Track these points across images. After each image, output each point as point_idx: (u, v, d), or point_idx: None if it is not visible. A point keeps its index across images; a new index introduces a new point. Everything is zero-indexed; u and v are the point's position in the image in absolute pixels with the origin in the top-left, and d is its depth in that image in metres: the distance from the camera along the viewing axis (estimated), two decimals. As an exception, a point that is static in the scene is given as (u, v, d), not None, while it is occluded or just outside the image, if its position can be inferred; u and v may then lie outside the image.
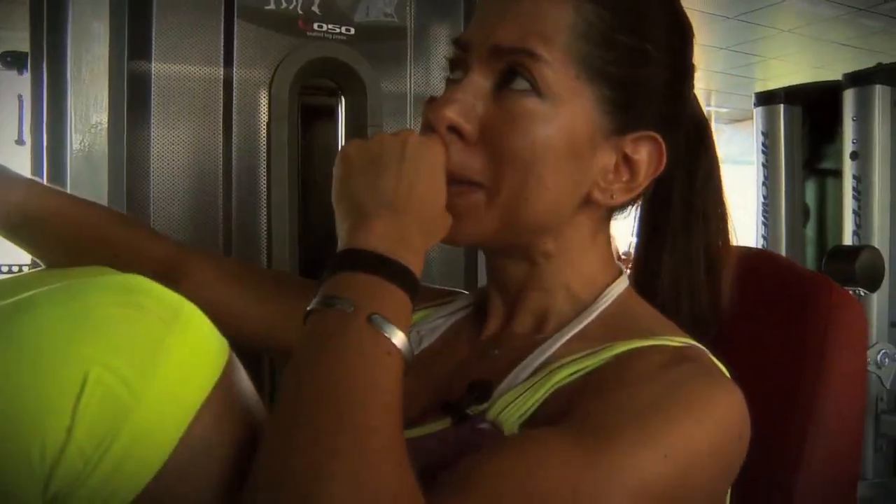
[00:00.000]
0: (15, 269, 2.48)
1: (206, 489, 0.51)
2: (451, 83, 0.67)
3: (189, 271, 0.80)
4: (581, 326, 0.66)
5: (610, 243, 0.72)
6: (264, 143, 1.22)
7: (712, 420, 0.57)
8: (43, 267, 0.77)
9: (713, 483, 0.58)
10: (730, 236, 0.75)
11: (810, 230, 3.33)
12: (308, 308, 0.55)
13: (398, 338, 0.53)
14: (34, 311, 0.49)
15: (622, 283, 0.71)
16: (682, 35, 0.69)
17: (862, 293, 2.43)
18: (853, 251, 2.44)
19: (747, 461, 0.60)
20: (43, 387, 0.46)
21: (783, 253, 3.10)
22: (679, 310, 0.73)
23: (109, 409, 0.46)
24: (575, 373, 0.61)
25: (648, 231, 0.75)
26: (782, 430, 0.71)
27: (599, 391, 0.58)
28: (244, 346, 0.83)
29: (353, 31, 1.26)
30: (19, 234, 0.73)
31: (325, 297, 0.54)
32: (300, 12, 1.22)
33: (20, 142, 2.67)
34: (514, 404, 0.61)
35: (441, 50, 1.35)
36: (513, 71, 0.62)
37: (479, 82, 0.63)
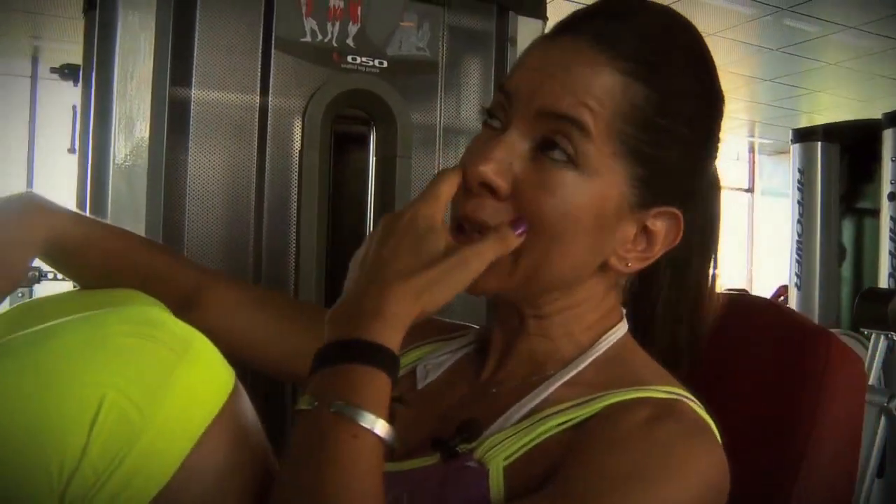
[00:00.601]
0: (60, 275, 2.55)
1: None
2: (488, 128, 0.68)
3: (211, 298, 0.83)
4: (576, 371, 0.68)
5: (619, 292, 0.74)
6: (296, 168, 1.27)
7: (692, 480, 0.59)
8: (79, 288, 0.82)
9: None
10: (712, 281, 0.76)
11: (846, 270, 3.29)
12: (308, 388, 0.58)
13: (374, 424, 0.55)
14: (58, 338, 0.54)
15: (621, 329, 0.73)
16: (716, 110, 0.69)
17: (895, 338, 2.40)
18: (887, 294, 2.40)
19: None
20: (63, 408, 0.50)
21: (816, 292, 3.08)
22: (661, 339, 0.75)
23: (121, 430, 0.51)
24: (565, 422, 0.62)
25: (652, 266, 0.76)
26: (774, 478, 0.72)
27: (585, 452, 0.60)
28: (264, 372, 0.87)
29: (385, 63, 1.30)
30: (56, 261, 0.78)
31: (314, 395, 0.57)
32: (335, 45, 1.27)
33: (72, 150, 2.75)
34: (501, 446, 0.62)
35: (472, 84, 1.39)
36: (553, 139, 0.63)
37: (519, 141, 0.64)
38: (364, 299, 0.60)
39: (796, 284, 3.15)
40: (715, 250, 0.76)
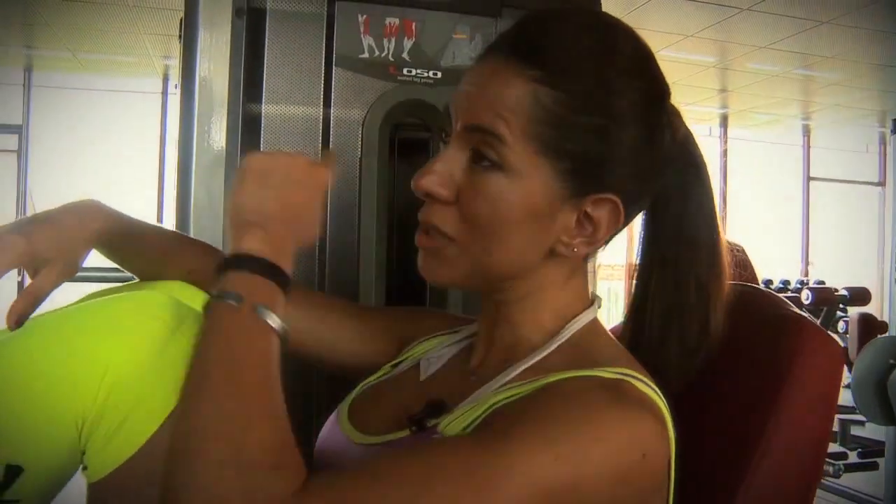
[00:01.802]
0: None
1: None
2: (443, 144, 0.78)
3: None
4: (541, 356, 0.74)
5: (586, 279, 0.80)
6: (358, 174, 1.38)
7: (612, 438, 0.63)
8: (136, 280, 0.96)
9: (610, 494, 0.63)
10: (724, 268, 0.80)
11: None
12: (214, 292, 0.67)
13: (274, 321, 0.66)
14: (80, 317, 0.68)
15: (587, 316, 0.78)
16: (649, 101, 0.74)
17: None
18: None
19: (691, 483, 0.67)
20: (79, 371, 0.65)
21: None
22: (668, 337, 0.78)
23: (122, 388, 0.65)
24: (511, 396, 0.69)
25: (643, 261, 0.81)
26: (729, 457, 0.76)
27: (515, 404, 0.67)
28: (305, 361, 0.98)
29: (439, 74, 1.40)
30: (110, 251, 0.90)
31: (219, 293, 0.66)
32: (391, 59, 1.37)
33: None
34: (458, 420, 0.70)
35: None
36: (479, 150, 0.72)
37: (456, 155, 0.74)
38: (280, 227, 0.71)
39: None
40: (707, 242, 0.79)
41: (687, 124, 0.80)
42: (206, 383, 0.61)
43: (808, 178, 9.11)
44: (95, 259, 0.86)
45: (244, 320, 0.65)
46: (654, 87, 0.75)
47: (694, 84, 6.74)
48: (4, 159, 7.24)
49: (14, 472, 0.63)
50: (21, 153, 7.21)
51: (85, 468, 0.69)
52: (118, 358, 0.67)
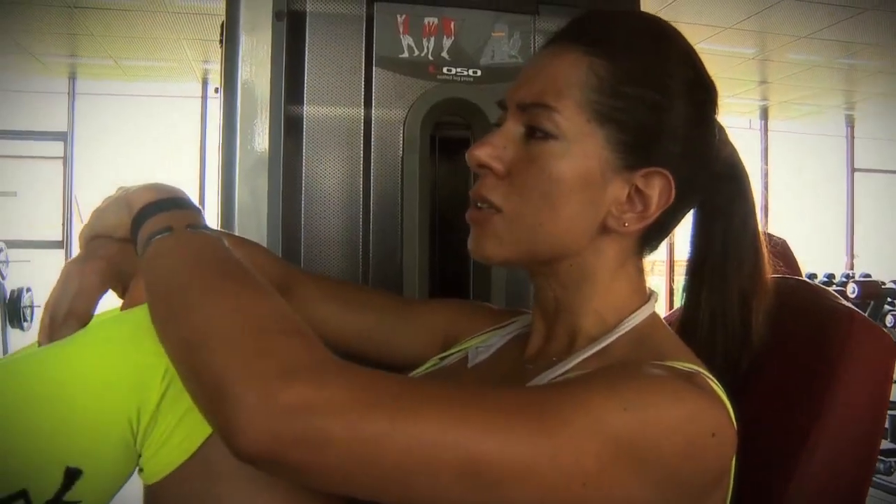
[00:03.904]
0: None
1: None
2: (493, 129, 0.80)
3: (298, 292, 0.97)
4: (600, 347, 0.75)
5: (641, 272, 0.80)
6: (399, 172, 1.39)
7: (684, 408, 0.62)
8: None
9: (675, 462, 0.61)
10: (766, 282, 0.81)
11: None
12: (140, 243, 0.69)
13: (208, 231, 0.69)
14: (132, 318, 0.69)
15: (647, 310, 0.78)
16: (698, 89, 0.76)
17: None
18: None
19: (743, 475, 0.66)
20: (136, 373, 0.67)
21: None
22: (714, 343, 0.80)
23: (176, 389, 0.65)
24: (575, 376, 0.70)
25: (692, 269, 0.83)
26: (780, 452, 0.76)
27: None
28: (349, 355, 0.99)
29: (479, 73, 1.40)
30: None
31: (149, 236, 0.68)
32: (430, 58, 1.38)
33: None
34: None
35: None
36: (532, 124, 0.74)
37: (511, 130, 0.76)
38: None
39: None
40: (751, 258, 0.80)
41: (732, 142, 0.82)
42: (190, 293, 0.61)
43: (853, 170, 8.94)
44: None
45: (188, 237, 0.68)
46: (703, 78, 0.77)
47: (733, 76, 6.66)
48: (51, 166, 7.40)
49: (74, 474, 0.64)
50: (66, 160, 7.36)
51: (141, 470, 0.69)
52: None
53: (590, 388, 0.61)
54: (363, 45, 1.37)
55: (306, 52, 1.36)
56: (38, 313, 5.74)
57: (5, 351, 6.02)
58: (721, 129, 0.80)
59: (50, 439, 0.65)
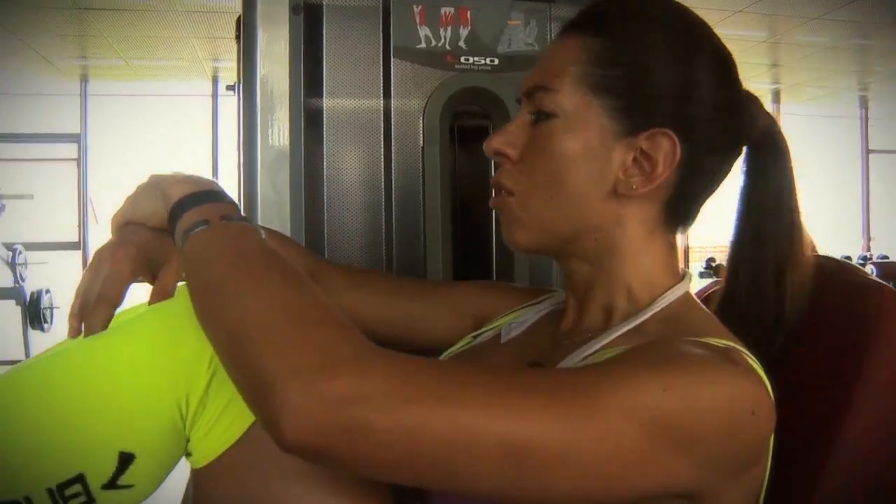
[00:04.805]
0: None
1: None
2: None
3: (323, 280, 0.98)
4: (635, 324, 0.75)
5: (672, 250, 0.81)
6: (420, 162, 1.39)
7: (723, 386, 0.62)
8: None
9: (718, 441, 0.62)
10: (801, 256, 0.80)
11: None
12: (178, 236, 0.70)
13: (245, 221, 0.70)
14: (179, 304, 0.70)
15: (681, 288, 0.79)
16: (700, 54, 0.77)
17: None
18: None
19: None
20: (184, 359, 0.68)
21: None
22: (750, 316, 0.79)
23: (224, 374, 0.66)
24: (613, 353, 0.70)
25: (733, 241, 0.83)
26: (814, 433, 0.76)
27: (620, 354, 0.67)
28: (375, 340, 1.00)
29: (496, 61, 1.40)
30: None
31: (186, 229, 0.69)
32: (448, 48, 1.38)
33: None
34: None
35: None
36: (536, 108, 0.77)
37: (524, 118, 0.79)
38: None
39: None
40: (787, 231, 0.80)
41: (770, 113, 0.82)
42: (231, 285, 0.62)
43: (867, 151, 8.88)
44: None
45: (226, 230, 0.69)
46: (707, 44, 0.78)
47: (744, 60, 6.62)
48: (65, 168, 7.45)
49: (127, 458, 0.66)
50: (80, 161, 7.40)
51: (189, 454, 0.71)
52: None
53: (628, 368, 0.61)
54: (380, 36, 1.37)
55: (324, 45, 1.36)
56: (59, 314, 5.77)
57: (28, 353, 6.08)
58: (753, 98, 0.81)
59: (104, 425, 0.67)
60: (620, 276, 0.79)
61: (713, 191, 0.80)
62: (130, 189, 0.82)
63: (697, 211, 0.81)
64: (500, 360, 0.84)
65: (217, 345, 0.61)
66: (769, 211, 0.80)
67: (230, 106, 7.10)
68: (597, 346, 0.74)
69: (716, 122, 0.77)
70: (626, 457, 0.58)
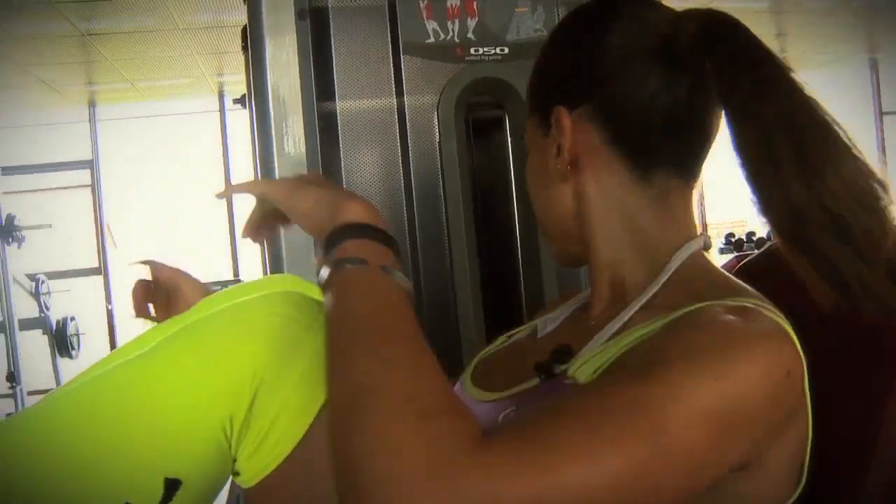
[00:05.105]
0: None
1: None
2: None
3: None
4: (650, 295, 0.76)
5: (663, 204, 0.80)
6: (438, 158, 1.38)
7: (759, 358, 0.63)
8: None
9: (767, 413, 0.63)
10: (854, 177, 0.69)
11: None
12: (325, 271, 0.68)
13: (401, 279, 0.67)
14: (217, 323, 0.69)
15: (687, 250, 0.78)
16: (575, 36, 0.83)
17: None
18: None
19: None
20: (224, 379, 0.67)
21: None
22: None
23: (265, 390, 0.65)
24: (642, 335, 0.70)
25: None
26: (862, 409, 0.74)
27: (651, 341, 0.67)
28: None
29: (506, 50, 1.39)
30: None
31: (340, 259, 0.67)
32: (457, 40, 1.37)
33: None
34: (588, 363, 0.72)
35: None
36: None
37: None
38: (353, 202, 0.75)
39: None
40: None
41: (694, 24, 0.76)
42: (360, 340, 0.61)
43: (881, 113, 8.77)
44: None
45: (378, 279, 0.66)
46: (564, 27, 0.87)
47: (749, 32, 6.55)
48: (80, 194, 7.50)
49: (174, 484, 0.65)
50: (94, 186, 7.45)
51: (237, 474, 0.70)
52: (258, 361, 0.67)
53: (670, 368, 0.60)
54: (388, 34, 1.36)
55: (332, 48, 1.36)
56: (85, 341, 5.79)
57: (58, 381, 6.13)
58: (677, 19, 0.78)
59: (148, 452, 0.66)
60: (613, 245, 0.81)
61: (682, 127, 0.78)
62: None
63: (662, 148, 0.79)
64: (525, 360, 0.83)
65: (335, 394, 0.59)
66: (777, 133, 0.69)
67: (238, 119, 7.14)
68: (616, 327, 0.75)
69: (607, 69, 0.79)
70: (696, 459, 0.59)
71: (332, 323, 0.64)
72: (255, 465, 0.67)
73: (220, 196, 0.87)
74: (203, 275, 0.98)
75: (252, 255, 7.12)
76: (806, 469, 0.70)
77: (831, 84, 8.61)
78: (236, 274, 7.20)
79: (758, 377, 0.62)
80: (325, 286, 0.67)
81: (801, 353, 0.66)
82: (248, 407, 0.66)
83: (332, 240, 0.70)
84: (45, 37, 5.26)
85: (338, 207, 0.73)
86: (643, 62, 0.77)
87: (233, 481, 0.72)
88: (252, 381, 0.66)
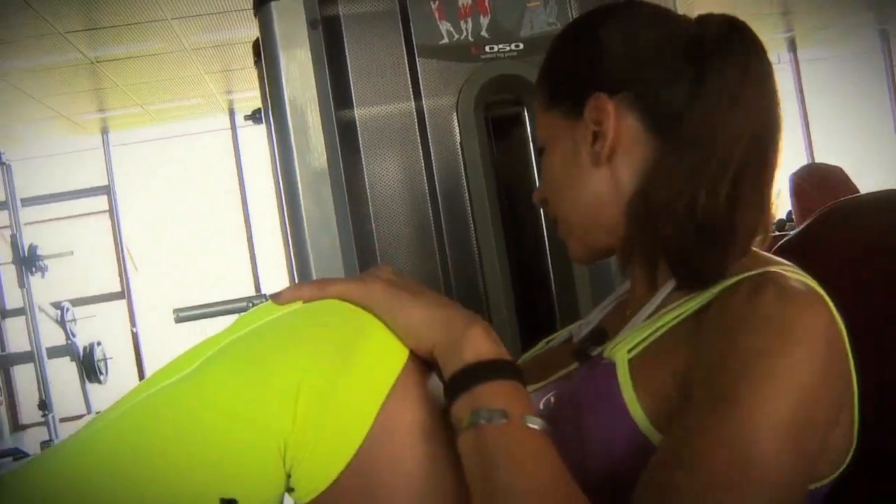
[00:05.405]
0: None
1: (395, 468, 0.66)
2: None
3: None
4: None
5: None
6: (461, 159, 1.37)
7: (807, 334, 0.65)
8: None
9: (834, 387, 0.66)
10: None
11: None
12: (464, 421, 0.65)
13: (540, 425, 0.65)
14: (257, 339, 0.68)
15: None
16: (584, 31, 0.87)
17: None
18: None
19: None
20: (271, 393, 0.65)
21: None
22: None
23: (318, 402, 0.64)
24: (679, 315, 0.73)
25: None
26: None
27: (706, 347, 0.68)
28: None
29: (521, 45, 1.38)
30: None
31: (478, 412, 0.64)
32: (471, 39, 1.36)
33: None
34: (623, 342, 0.74)
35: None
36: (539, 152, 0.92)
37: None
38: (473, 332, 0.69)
39: None
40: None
41: (716, 27, 0.81)
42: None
43: (895, 85, 8.68)
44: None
45: (523, 437, 0.64)
46: (585, 21, 0.88)
47: (754, 11, 6.51)
48: (99, 220, 7.55)
49: None
50: (112, 211, 7.50)
51: (291, 490, 0.68)
52: (306, 373, 0.65)
53: (738, 388, 0.63)
54: (402, 38, 1.35)
55: (347, 56, 1.35)
56: (113, 365, 5.85)
57: (88, 407, 6.17)
58: (703, 20, 0.82)
59: (201, 474, 0.64)
60: (647, 230, 0.81)
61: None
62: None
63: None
64: (564, 355, 0.86)
65: None
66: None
67: (250, 136, 7.17)
68: (650, 310, 0.77)
69: (644, 59, 0.82)
70: (799, 458, 0.62)
71: (479, 493, 0.63)
72: (312, 481, 0.65)
73: (283, 301, 0.76)
74: (226, 292, 0.97)
75: (274, 269, 7.15)
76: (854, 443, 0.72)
77: (842, 59, 8.52)
78: (258, 289, 7.23)
79: (812, 356, 0.64)
80: (460, 432, 0.66)
81: (833, 311, 0.67)
82: (299, 420, 0.64)
83: (463, 383, 0.67)
84: (57, 68, 5.31)
85: (454, 330, 0.69)
86: (676, 57, 0.80)
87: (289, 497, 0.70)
88: (301, 393, 0.64)
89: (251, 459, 0.65)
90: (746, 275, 0.70)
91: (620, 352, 0.72)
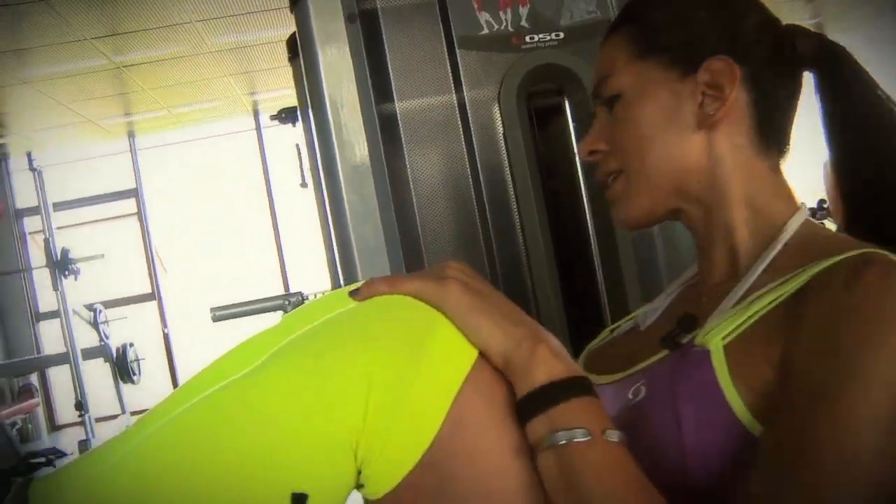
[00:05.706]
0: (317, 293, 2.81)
1: (467, 463, 0.65)
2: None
3: None
4: (769, 259, 0.77)
5: (778, 176, 0.83)
6: (503, 150, 1.36)
7: None
8: None
9: None
10: None
11: None
12: (544, 441, 0.65)
13: (619, 437, 0.65)
14: (327, 334, 0.69)
15: (800, 217, 0.80)
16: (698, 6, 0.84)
17: None
18: None
19: None
20: (343, 388, 0.65)
21: None
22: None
23: (390, 396, 0.63)
24: (774, 300, 0.71)
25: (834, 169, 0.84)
26: None
27: (804, 333, 0.66)
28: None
29: (562, 34, 1.36)
30: None
31: (557, 432, 0.64)
32: (511, 30, 1.35)
33: (303, 184, 3.03)
34: (716, 329, 0.71)
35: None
36: (604, 102, 0.87)
37: (601, 114, 0.89)
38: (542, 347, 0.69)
39: None
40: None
41: (817, 33, 0.85)
42: None
43: (923, 67, 8.53)
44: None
45: (605, 451, 0.64)
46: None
47: (780, 0, 6.44)
48: (128, 223, 7.63)
49: (301, 499, 0.63)
50: (140, 214, 7.57)
51: (361, 486, 0.68)
52: (378, 367, 0.65)
53: (853, 362, 0.61)
54: (441, 30, 1.34)
55: (386, 50, 1.34)
56: (145, 365, 5.92)
57: (122, 407, 6.23)
58: (794, 26, 0.85)
59: (273, 468, 0.64)
60: (734, 210, 0.81)
61: (790, 110, 0.84)
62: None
63: (788, 132, 0.84)
64: (641, 344, 0.84)
65: None
66: (859, 126, 0.81)
67: (275, 137, 7.20)
68: (741, 292, 0.75)
69: (762, 41, 0.82)
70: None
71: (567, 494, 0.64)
72: (383, 476, 0.65)
73: (362, 298, 0.74)
74: (254, 291, 0.97)
75: (302, 268, 7.17)
76: None
77: (874, 42, 8.38)
78: (286, 287, 7.26)
79: None
80: (539, 451, 0.66)
81: None
82: (371, 415, 0.64)
83: (540, 405, 0.66)
84: (83, 73, 5.36)
85: (523, 350, 0.68)
86: (778, 48, 0.82)
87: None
88: (373, 388, 0.64)
89: (323, 453, 0.64)
90: (843, 256, 0.69)
91: (714, 339, 0.70)
